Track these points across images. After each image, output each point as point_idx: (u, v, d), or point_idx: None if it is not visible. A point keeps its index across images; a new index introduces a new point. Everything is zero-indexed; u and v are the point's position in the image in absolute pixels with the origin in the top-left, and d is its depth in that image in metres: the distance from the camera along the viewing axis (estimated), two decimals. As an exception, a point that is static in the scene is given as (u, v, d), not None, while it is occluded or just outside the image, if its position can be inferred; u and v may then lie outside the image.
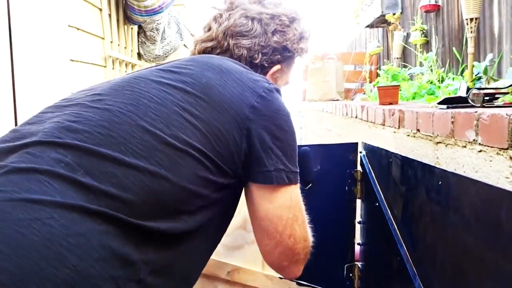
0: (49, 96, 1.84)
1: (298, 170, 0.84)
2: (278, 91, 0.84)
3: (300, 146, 1.21)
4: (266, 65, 1.02)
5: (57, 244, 0.50)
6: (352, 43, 6.40)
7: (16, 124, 1.75)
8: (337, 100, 4.36)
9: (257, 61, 0.99)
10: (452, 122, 1.19)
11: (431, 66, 2.01)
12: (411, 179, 1.19)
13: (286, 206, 0.84)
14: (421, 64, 2.59)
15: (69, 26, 2.02)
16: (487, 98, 1.25)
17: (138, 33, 2.98)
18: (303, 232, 0.90)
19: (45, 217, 0.51)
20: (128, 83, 0.75)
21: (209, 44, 0.99)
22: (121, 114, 0.67)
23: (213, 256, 1.51)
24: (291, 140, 0.82)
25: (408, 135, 1.56)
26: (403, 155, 1.26)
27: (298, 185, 0.87)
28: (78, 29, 2.13)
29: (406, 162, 1.24)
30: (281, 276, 1.63)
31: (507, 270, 0.71)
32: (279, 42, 1.01)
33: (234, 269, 1.51)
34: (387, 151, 1.42)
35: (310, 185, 1.28)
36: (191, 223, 0.70)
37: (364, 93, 4.39)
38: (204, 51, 1.01)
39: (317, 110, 4.26)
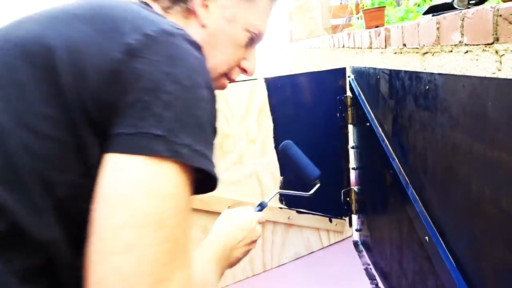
0: None
1: (204, 152, 0.48)
2: (188, 40, 0.52)
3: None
4: None
5: None
6: (335, -23, 6.15)
7: None
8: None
9: None
10: (438, 28, 1.16)
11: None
12: (399, 91, 1.18)
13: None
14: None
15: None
16: (472, 2, 1.22)
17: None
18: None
19: None
20: None
21: None
22: None
23: (213, 193, 1.53)
24: (193, 100, 0.48)
25: (395, 53, 1.54)
26: (390, 68, 1.25)
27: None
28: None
29: (393, 75, 1.23)
30: (281, 206, 1.67)
31: (494, 157, 0.72)
32: None
33: (234, 203, 1.54)
34: (374, 68, 1.40)
35: (318, 185, 1.10)
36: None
37: (352, 26, 4.29)
38: None
39: (305, 48, 4.18)
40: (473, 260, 0.84)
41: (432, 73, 0.95)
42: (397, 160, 1.24)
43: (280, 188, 1.64)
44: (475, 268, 0.83)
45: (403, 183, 1.19)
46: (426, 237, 1.00)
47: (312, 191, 1.10)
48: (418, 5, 2.67)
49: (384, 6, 2.08)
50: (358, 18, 3.88)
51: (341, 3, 5.44)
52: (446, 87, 0.89)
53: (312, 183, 1.10)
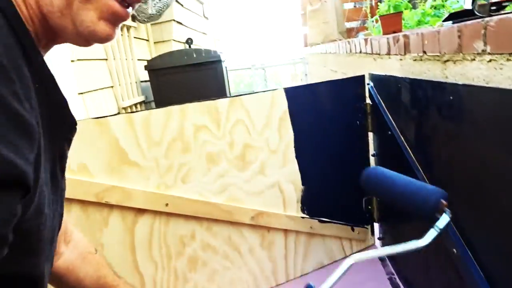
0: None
1: None
2: None
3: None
4: None
5: None
6: (349, -20, 6.14)
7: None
8: (340, 40, 4.25)
9: None
10: (459, 36, 1.15)
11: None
12: (421, 101, 1.18)
13: None
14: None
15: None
16: (493, 8, 1.21)
17: (129, -5, 2.89)
18: None
19: None
20: None
21: None
22: None
23: (235, 203, 1.56)
24: None
25: (415, 60, 1.53)
26: (411, 77, 1.24)
27: None
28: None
29: (415, 84, 1.23)
30: (304, 216, 1.67)
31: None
32: None
33: (257, 213, 1.55)
34: (395, 77, 1.40)
35: (448, 219, 0.82)
36: None
37: (367, 29, 4.27)
38: None
39: (320, 53, 4.18)
40: (504, 274, 0.83)
41: (457, 84, 0.95)
42: (421, 170, 1.24)
43: (302, 199, 1.65)
44: (505, 282, 0.82)
45: (428, 192, 1.18)
46: (454, 249, 1.00)
47: (430, 237, 0.73)
48: (435, 8, 2.65)
49: (401, 12, 2.07)
50: (373, 21, 3.87)
51: (355, 6, 5.43)
52: (471, 98, 0.89)
53: (434, 211, 0.77)
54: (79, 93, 2.04)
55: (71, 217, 1.24)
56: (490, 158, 0.83)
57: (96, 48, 2.37)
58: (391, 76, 1.43)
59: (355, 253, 1.84)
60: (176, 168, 1.39)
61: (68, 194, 1.21)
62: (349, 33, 4.78)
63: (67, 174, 1.20)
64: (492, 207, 0.84)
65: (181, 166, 1.40)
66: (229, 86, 3.40)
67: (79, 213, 1.26)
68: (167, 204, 1.37)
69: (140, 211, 1.35)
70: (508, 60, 0.97)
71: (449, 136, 1.02)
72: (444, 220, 0.74)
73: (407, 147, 1.35)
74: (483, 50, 1.06)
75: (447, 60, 1.28)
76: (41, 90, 0.44)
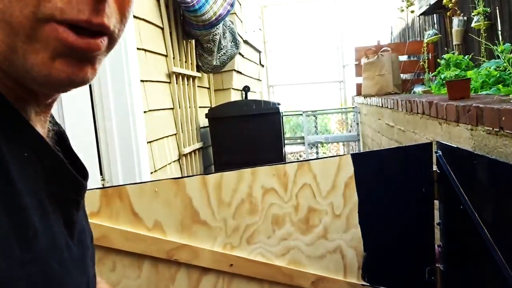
0: (126, 113, 1.97)
1: None
2: None
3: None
4: None
5: None
6: (403, 32, 6.18)
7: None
8: (395, 93, 4.24)
9: None
10: (545, 121, 1.13)
11: (509, 58, 1.89)
12: (502, 182, 1.15)
13: None
14: (497, 56, 2.46)
15: (137, 48, 2.14)
16: None
17: (196, 46, 3.08)
18: None
19: None
20: None
21: None
22: None
23: (296, 267, 1.55)
24: None
25: (489, 133, 1.50)
26: (490, 156, 1.22)
27: None
28: (145, 50, 2.25)
29: (493, 164, 1.20)
30: (365, 283, 1.63)
31: None
32: None
33: (317, 278, 1.53)
34: (470, 152, 1.37)
35: None
36: None
37: (423, 83, 4.23)
38: None
39: (375, 106, 4.17)
40: None
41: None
42: (500, 255, 1.18)
43: (363, 265, 1.61)
44: None
45: (505, 275, 1.12)
46: None
47: None
48: (500, 68, 2.59)
49: (470, 79, 2.06)
50: (430, 80, 3.84)
51: (409, 58, 5.43)
52: None
53: None
54: (148, 142, 2.15)
55: (143, 273, 1.29)
56: None
57: (165, 98, 2.51)
58: (466, 150, 1.41)
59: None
60: (243, 229, 1.41)
61: (142, 250, 1.27)
62: (404, 85, 4.76)
63: (143, 231, 1.26)
64: None
65: (248, 227, 1.42)
66: (283, 134, 3.46)
67: (150, 269, 1.30)
68: (231, 265, 1.39)
69: (205, 270, 1.38)
70: None
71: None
72: None
73: (483, 225, 1.30)
74: None
75: (528, 140, 1.25)
76: (32, 158, 0.41)
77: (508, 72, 2.46)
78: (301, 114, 5.20)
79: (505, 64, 2.15)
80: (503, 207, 1.16)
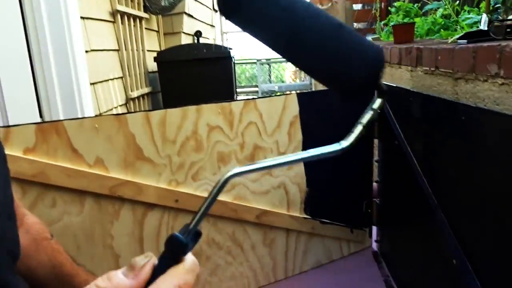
0: (64, 51, 1.86)
1: None
2: None
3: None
4: None
5: None
6: (359, -20, 6.14)
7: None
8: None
9: None
10: (474, 57, 1.19)
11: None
12: (433, 117, 1.22)
13: None
14: (438, -1, 2.51)
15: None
16: (509, 30, 1.24)
17: (142, -15, 2.90)
18: None
19: None
20: None
21: None
22: None
23: (242, 202, 1.60)
24: None
25: (426, 73, 1.56)
26: (424, 93, 1.28)
27: None
28: (84, -15, 2.10)
29: (428, 100, 1.26)
30: (307, 216, 1.72)
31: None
32: None
33: (261, 212, 1.59)
34: (406, 90, 1.43)
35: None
36: None
37: (375, 33, 4.29)
38: None
39: (327, 53, 4.20)
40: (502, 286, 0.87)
41: (469, 106, 0.99)
42: (426, 182, 1.28)
43: (305, 200, 1.69)
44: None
45: (432, 205, 1.22)
46: (454, 260, 1.04)
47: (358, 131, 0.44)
48: (445, 17, 2.67)
49: (414, 23, 2.10)
50: (381, 25, 3.88)
51: (364, 7, 5.44)
52: (482, 121, 0.93)
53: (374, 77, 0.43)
54: (91, 83, 2.06)
55: (85, 209, 1.28)
56: (495, 178, 0.87)
57: (109, 38, 2.39)
58: (403, 88, 1.47)
59: (352, 254, 1.90)
60: (188, 166, 1.42)
61: (83, 186, 1.25)
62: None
63: (84, 168, 1.24)
64: (495, 224, 0.88)
65: (193, 164, 1.43)
66: (235, 81, 3.43)
67: (92, 205, 1.29)
68: (176, 200, 1.41)
69: (151, 205, 1.39)
70: (520, 85, 1.01)
71: (457, 153, 1.06)
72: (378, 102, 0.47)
73: (414, 158, 1.39)
74: (496, 73, 1.10)
75: (459, 78, 1.32)
76: None
77: (453, 19, 2.53)
78: (255, 63, 5.15)
79: (448, 10, 2.21)
80: (432, 139, 1.24)
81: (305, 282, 1.73)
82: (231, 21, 0.43)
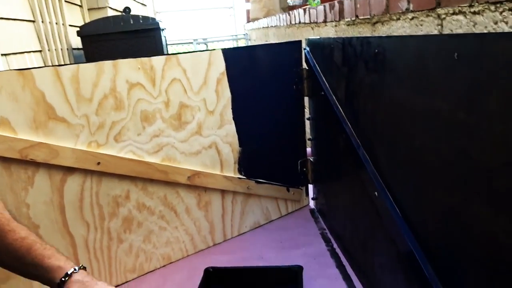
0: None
1: None
2: None
3: None
4: None
5: None
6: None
7: None
8: (281, 15, 4.29)
9: None
10: (386, -3, 1.22)
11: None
12: (351, 58, 1.23)
13: None
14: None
15: None
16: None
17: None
18: None
19: None
20: None
21: None
22: None
23: (171, 163, 1.55)
24: None
25: (348, 25, 1.59)
26: (342, 36, 1.30)
27: None
28: None
29: (346, 42, 1.28)
30: (241, 176, 1.70)
31: (435, 110, 0.78)
32: None
33: (193, 173, 1.55)
34: (328, 38, 1.44)
35: None
36: None
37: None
38: None
39: (262, 28, 4.20)
40: (418, 210, 0.91)
41: (381, 36, 1.01)
42: (349, 125, 1.30)
43: (239, 160, 1.67)
44: (420, 218, 0.90)
45: (355, 145, 1.25)
46: (376, 192, 1.07)
47: None
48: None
49: (338, -18, 2.13)
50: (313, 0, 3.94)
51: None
52: (392, 48, 0.95)
53: None
54: (2, 54, 1.90)
55: (-9, 174, 1.17)
56: (407, 104, 0.89)
57: (21, 8, 2.20)
58: (325, 38, 1.48)
59: (290, 213, 1.91)
60: (109, 126, 1.35)
61: (-13, 149, 1.14)
62: (292, 9, 4.84)
63: (-14, 128, 1.12)
64: (407, 149, 0.91)
65: (114, 124, 1.35)
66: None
67: (0, 170, 1.18)
68: (98, 163, 1.33)
69: (69, 169, 1.30)
70: (427, 16, 1.04)
71: (372, 87, 1.08)
72: None
73: (338, 105, 1.41)
74: (406, 9, 1.13)
75: (376, 22, 1.35)
76: None
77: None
78: (192, 43, 5.04)
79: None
80: (351, 81, 1.25)
81: (244, 243, 1.72)
82: None
